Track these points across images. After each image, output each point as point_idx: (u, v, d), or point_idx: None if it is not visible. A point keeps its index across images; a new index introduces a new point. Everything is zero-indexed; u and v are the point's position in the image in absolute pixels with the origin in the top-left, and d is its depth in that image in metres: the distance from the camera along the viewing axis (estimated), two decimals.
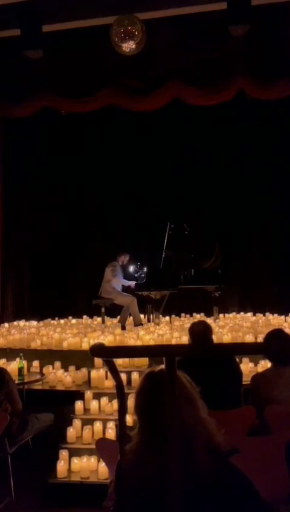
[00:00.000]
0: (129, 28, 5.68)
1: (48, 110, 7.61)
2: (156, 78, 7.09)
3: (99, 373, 4.79)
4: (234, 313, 8.03)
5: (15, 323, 7.74)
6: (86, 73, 7.24)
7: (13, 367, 4.74)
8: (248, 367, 4.62)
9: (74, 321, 7.90)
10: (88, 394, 4.55)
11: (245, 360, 4.76)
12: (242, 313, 7.99)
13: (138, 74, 7.07)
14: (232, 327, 6.30)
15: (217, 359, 2.97)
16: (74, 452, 3.87)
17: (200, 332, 3.22)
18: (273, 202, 8.10)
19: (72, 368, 5.17)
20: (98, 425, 4.07)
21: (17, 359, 4.68)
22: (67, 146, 8.53)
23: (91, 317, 8.05)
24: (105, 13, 6.32)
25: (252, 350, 2.30)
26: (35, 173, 8.51)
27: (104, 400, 4.44)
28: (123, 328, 6.69)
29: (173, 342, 5.37)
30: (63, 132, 8.38)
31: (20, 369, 4.45)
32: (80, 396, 4.58)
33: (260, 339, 5.51)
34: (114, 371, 1.50)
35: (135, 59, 6.24)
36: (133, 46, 5.79)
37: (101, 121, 8.07)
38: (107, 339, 5.62)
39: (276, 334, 3.13)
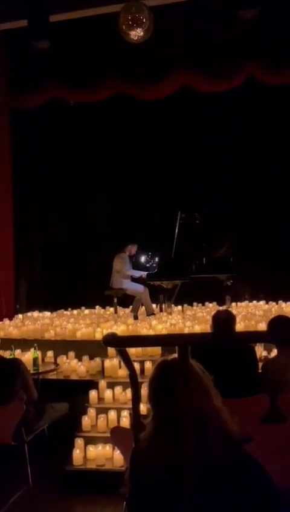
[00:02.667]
0: (137, 15, 5.58)
1: (57, 101, 7.58)
2: (165, 65, 7.01)
3: (112, 362, 4.83)
4: (246, 302, 8.01)
5: (29, 314, 7.82)
6: (94, 62, 7.20)
7: (28, 357, 4.81)
8: (261, 355, 4.61)
9: (86, 311, 7.95)
10: (102, 383, 4.60)
11: (259, 348, 4.75)
12: (255, 302, 7.96)
13: (146, 62, 7.00)
14: (245, 315, 6.28)
15: (236, 347, 2.98)
16: (89, 441, 3.93)
17: (224, 321, 3.22)
18: (285, 189, 8.01)
19: (85, 358, 5.22)
20: (112, 414, 4.11)
21: (32, 350, 4.75)
22: (77, 137, 8.52)
23: (104, 307, 8.09)
24: (112, 0, 6.25)
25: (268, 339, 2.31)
26: (46, 165, 8.51)
27: (118, 389, 4.48)
28: (135, 318, 6.72)
29: (186, 331, 5.38)
30: (72, 124, 8.37)
31: (35, 359, 4.51)
32: (94, 385, 4.63)
33: None
34: (127, 361, 1.51)
35: (143, 46, 6.16)
36: (141, 33, 5.70)
37: (111, 111, 8.01)
38: (120, 329, 5.65)
39: (281, 321, 3.16)
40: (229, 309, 7.05)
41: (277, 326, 2.99)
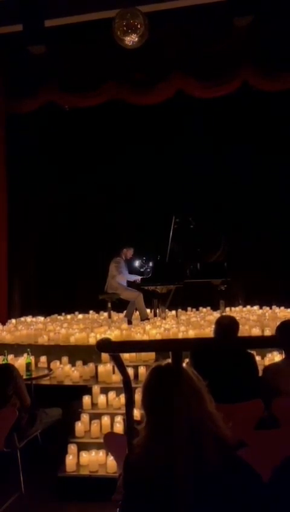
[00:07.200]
0: (132, 21, 5.62)
1: (52, 107, 7.59)
2: (160, 71, 7.07)
3: (106, 367, 4.81)
4: (240, 307, 8.02)
5: (22, 319, 7.78)
6: (90, 67, 7.23)
7: (21, 362, 4.78)
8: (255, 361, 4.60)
9: (80, 316, 7.93)
10: (96, 388, 4.57)
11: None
12: (249, 307, 7.98)
13: (141, 67, 7.05)
14: (239, 320, 6.27)
15: (236, 353, 2.98)
16: (82, 447, 3.90)
17: (226, 326, 3.21)
18: (280, 194, 8.05)
19: (79, 363, 5.19)
20: (105, 420, 4.09)
21: (25, 355, 4.71)
22: (72, 142, 8.53)
23: (97, 312, 8.08)
24: (107, 6, 6.29)
25: (272, 343, 2.31)
26: (41, 171, 8.50)
27: (112, 394, 4.46)
28: (129, 322, 6.70)
29: (180, 336, 5.37)
30: (67, 129, 8.38)
31: (28, 364, 4.48)
32: (87, 390, 4.60)
33: (267, 332, 5.50)
34: (121, 366, 1.50)
35: (138, 52, 6.20)
36: (136, 39, 5.74)
37: (105, 116, 8.04)
38: (114, 334, 5.63)
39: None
40: (223, 314, 7.08)
41: (287, 330, 2.99)
